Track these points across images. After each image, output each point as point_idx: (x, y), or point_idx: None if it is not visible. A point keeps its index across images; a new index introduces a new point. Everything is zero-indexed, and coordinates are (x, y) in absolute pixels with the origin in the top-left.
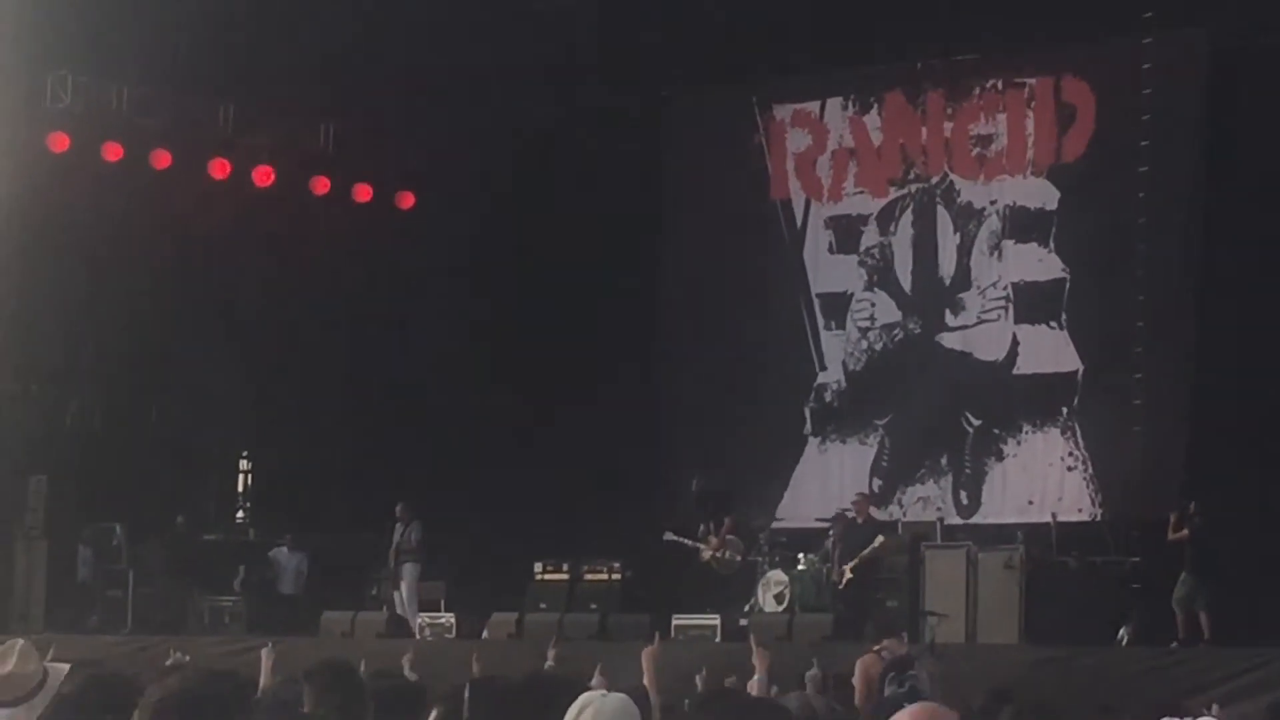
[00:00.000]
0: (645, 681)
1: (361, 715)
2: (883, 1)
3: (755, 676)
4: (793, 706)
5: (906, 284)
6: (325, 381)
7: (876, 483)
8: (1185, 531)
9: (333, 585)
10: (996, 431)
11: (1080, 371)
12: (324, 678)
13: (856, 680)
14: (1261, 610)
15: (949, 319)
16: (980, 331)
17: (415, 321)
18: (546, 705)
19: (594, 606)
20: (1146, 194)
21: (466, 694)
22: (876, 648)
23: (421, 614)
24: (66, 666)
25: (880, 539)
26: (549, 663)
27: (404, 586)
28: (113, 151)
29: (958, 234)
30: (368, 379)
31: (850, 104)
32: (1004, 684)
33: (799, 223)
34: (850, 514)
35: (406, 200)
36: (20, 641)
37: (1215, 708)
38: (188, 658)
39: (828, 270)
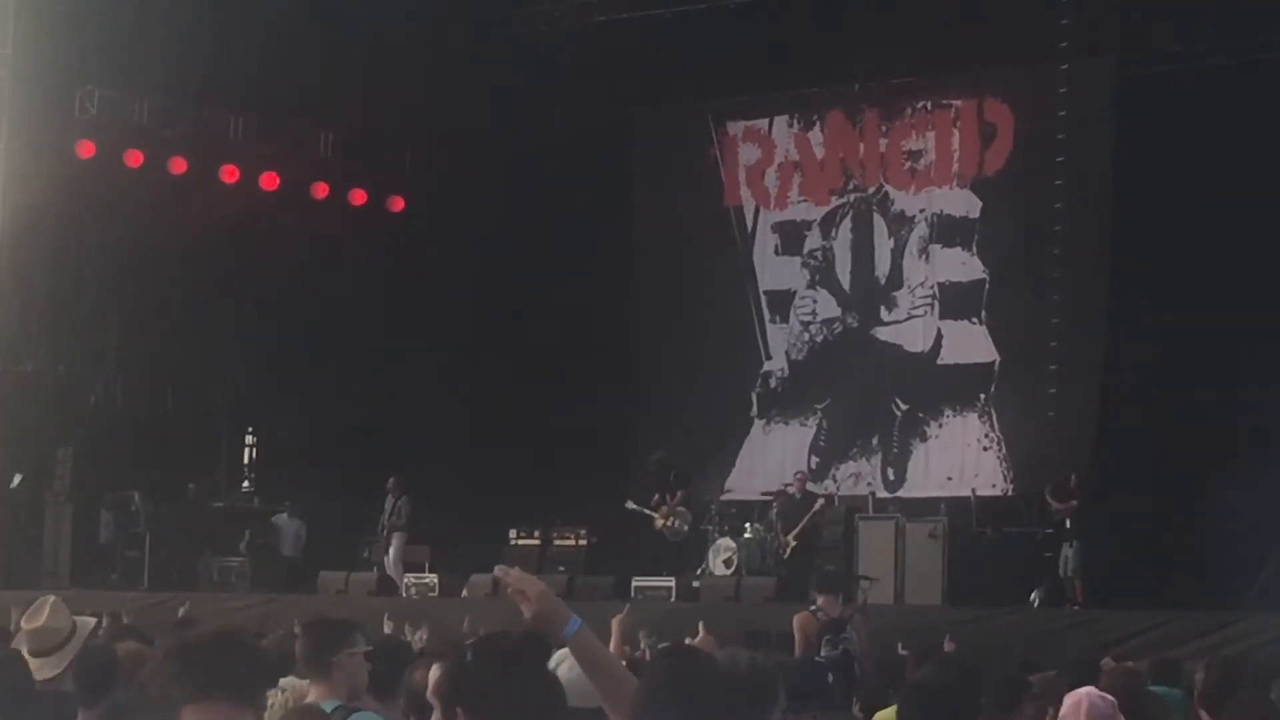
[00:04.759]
0: (611, 645)
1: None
2: (825, 31)
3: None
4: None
5: (846, 283)
6: (323, 365)
7: (814, 460)
8: (1074, 503)
9: (328, 548)
10: (921, 415)
11: (997, 362)
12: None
13: (796, 635)
14: (1147, 579)
15: (883, 314)
16: (909, 326)
17: (404, 312)
18: (545, 661)
19: (562, 569)
20: (1061, 204)
21: (469, 654)
22: (812, 607)
23: (408, 575)
24: (93, 620)
25: (820, 501)
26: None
27: (392, 552)
28: (134, 158)
29: (891, 239)
30: (360, 364)
31: (795, 122)
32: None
33: (749, 227)
34: (790, 489)
35: (397, 204)
36: (51, 598)
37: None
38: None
39: (774, 270)
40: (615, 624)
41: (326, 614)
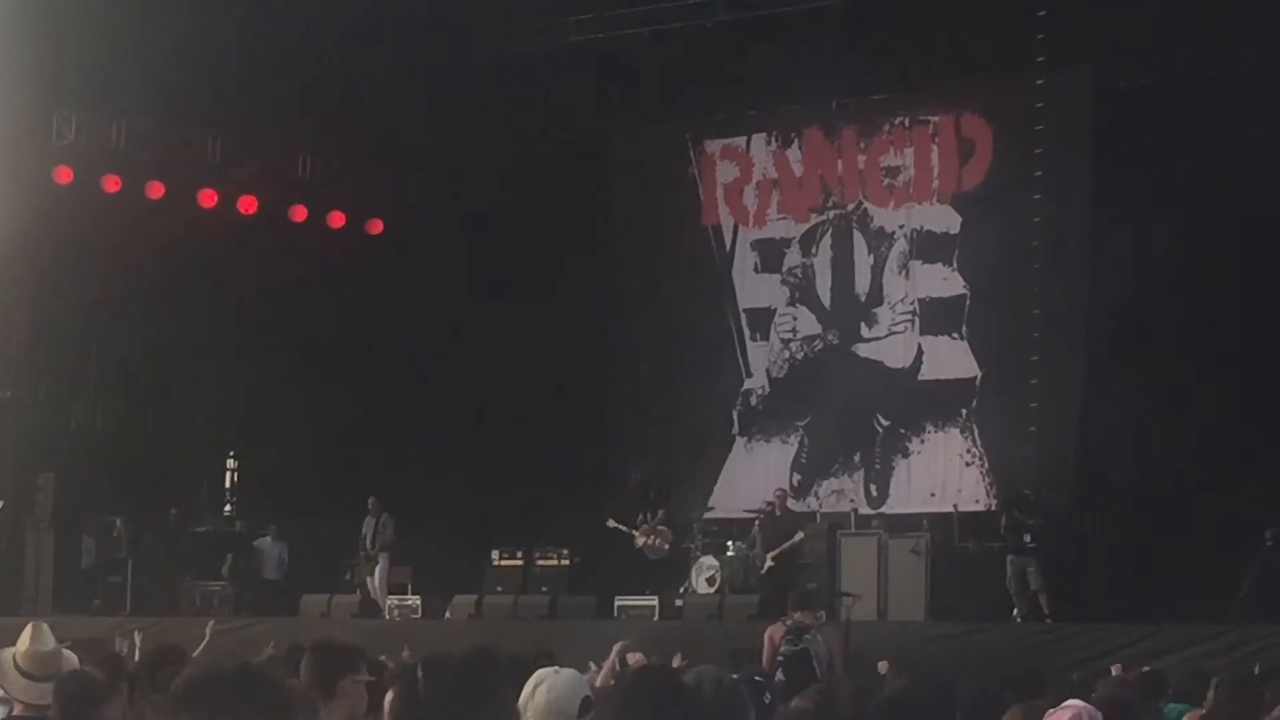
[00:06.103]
0: (604, 667)
1: None
2: (801, 48)
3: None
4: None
5: (826, 300)
6: (303, 389)
7: (796, 477)
8: (1035, 521)
9: (311, 571)
10: (903, 431)
11: (978, 378)
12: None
13: (765, 644)
14: (1131, 591)
15: (863, 331)
16: (890, 342)
17: (383, 335)
18: (494, 678)
19: (545, 589)
20: (1040, 218)
21: (420, 673)
22: (785, 620)
23: (391, 596)
24: (71, 654)
25: (800, 534)
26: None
27: (377, 574)
28: (112, 183)
29: (871, 255)
30: (340, 386)
31: (773, 139)
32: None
33: (728, 245)
34: (771, 506)
35: (375, 226)
36: (39, 623)
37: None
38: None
39: (754, 288)
40: (615, 650)
41: (335, 637)
